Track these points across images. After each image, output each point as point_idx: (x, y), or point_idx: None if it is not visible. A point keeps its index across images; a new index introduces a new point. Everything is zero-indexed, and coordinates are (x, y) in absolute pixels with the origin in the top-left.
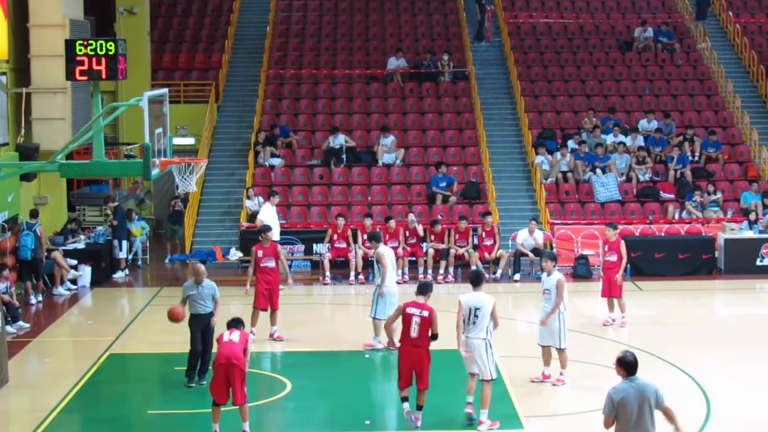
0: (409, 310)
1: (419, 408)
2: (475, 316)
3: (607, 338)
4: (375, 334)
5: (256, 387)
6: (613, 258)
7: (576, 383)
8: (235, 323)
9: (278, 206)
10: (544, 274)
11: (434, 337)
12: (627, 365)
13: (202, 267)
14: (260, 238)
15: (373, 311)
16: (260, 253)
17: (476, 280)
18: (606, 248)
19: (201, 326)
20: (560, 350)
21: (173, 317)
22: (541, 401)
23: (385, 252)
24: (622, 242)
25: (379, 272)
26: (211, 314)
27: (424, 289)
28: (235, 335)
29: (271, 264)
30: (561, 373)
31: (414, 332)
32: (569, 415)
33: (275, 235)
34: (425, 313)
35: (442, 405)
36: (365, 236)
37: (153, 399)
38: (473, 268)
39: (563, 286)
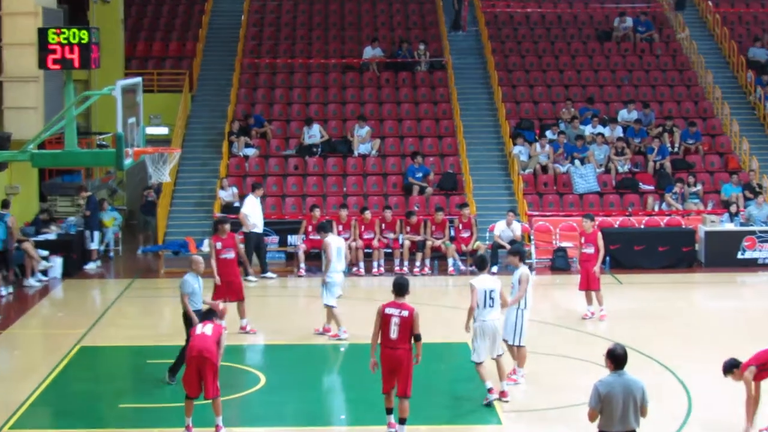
0: (387, 310)
1: (402, 422)
2: (491, 298)
3: (585, 332)
4: (338, 324)
5: (230, 381)
6: (591, 250)
7: (554, 378)
8: (208, 315)
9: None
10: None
11: (417, 338)
12: (616, 358)
13: (200, 258)
14: (217, 230)
15: (324, 298)
16: (218, 245)
17: (482, 264)
18: (583, 240)
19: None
20: (517, 347)
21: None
22: (519, 396)
23: (332, 242)
24: (599, 234)
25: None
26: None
27: (402, 290)
28: (208, 328)
29: (231, 255)
30: (514, 371)
31: (393, 333)
32: (548, 410)
33: (259, 228)
34: (405, 313)
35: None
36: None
37: (125, 393)
38: (479, 253)
39: (526, 281)
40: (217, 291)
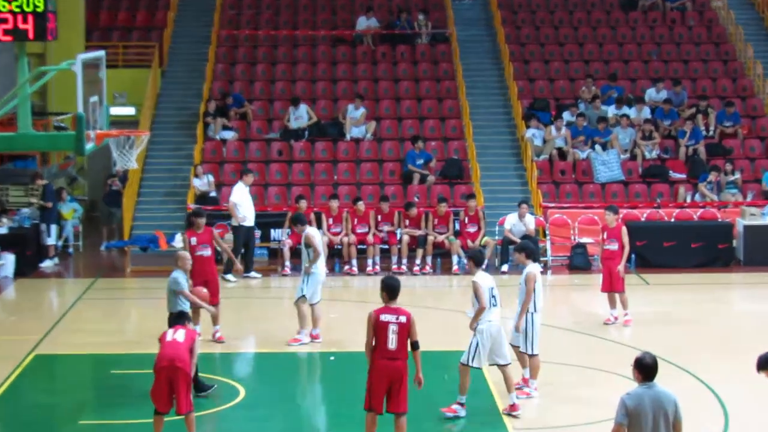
0: (383, 317)
1: None
2: (493, 296)
3: (607, 339)
4: (303, 325)
5: (204, 397)
6: (614, 247)
7: (572, 391)
8: (179, 319)
9: (231, 186)
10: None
11: (415, 345)
12: (645, 368)
13: (186, 253)
14: (191, 224)
15: (301, 291)
16: (193, 240)
17: (479, 259)
18: (605, 235)
19: None
20: (530, 356)
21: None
22: (532, 412)
23: (315, 233)
24: (624, 228)
25: (309, 256)
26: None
27: (395, 292)
28: (180, 334)
29: (207, 253)
30: (525, 381)
31: (392, 343)
32: (564, 427)
33: (250, 220)
34: (403, 319)
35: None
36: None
37: (85, 407)
38: (478, 248)
39: (533, 281)
40: (195, 279)
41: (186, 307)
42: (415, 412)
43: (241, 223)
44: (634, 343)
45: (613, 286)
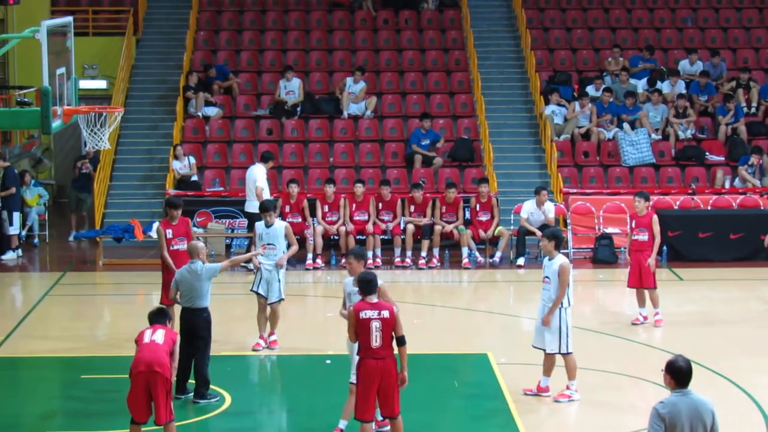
0: (363, 314)
1: None
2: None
3: (636, 341)
4: (273, 329)
5: (187, 401)
6: (644, 237)
7: (596, 397)
8: (158, 317)
9: (215, 169)
10: (546, 258)
11: (401, 341)
12: (678, 373)
13: (201, 243)
14: (166, 214)
15: (281, 293)
16: (169, 232)
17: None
18: (634, 225)
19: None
20: (564, 355)
21: None
22: (551, 420)
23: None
24: (655, 217)
25: (286, 248)
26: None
27: (370, 287)
28: (159, 335)
29: (184, 247)
30: (567, 387)
31: (376, 341)
32: None
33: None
34: (386, 314)
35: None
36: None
37: (53, 416)
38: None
39: (567, 273)
40: (165, 291)
41: (206, 301)
42: (425, 419)
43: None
44: (665, 345)
45: (642, 282)
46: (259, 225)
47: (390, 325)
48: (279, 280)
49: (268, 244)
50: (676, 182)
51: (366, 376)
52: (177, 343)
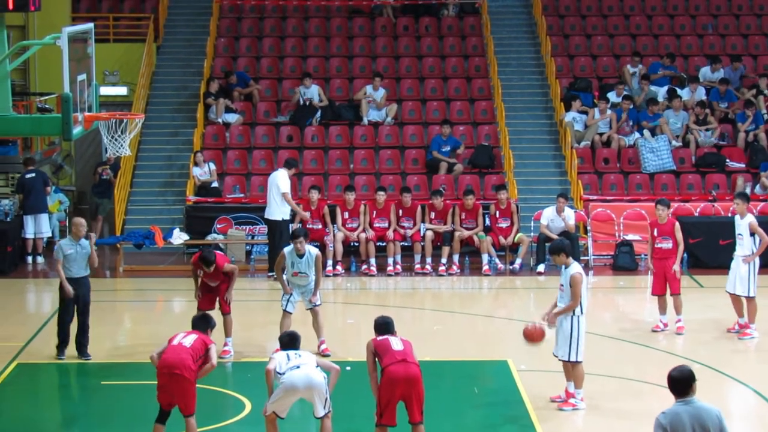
0: (380, 338)
1: None
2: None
3: (655, 347)
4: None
5: (207, 407)
6: (668, 245)
7: (613, 404)
8: (198, 323)
9: (236, 175)
10: (564, 266)
11: None
12: (672, 383)
13: (83, 220)
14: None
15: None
16: (204, 277)
17: (290, 343)
18: (656, 232)
19: (76, 293)
20: (573, 364)
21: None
22: (571, 427)
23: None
24: (677, 224)
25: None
26: (87, 278)
27: (390, 327)
28: (190, 339)
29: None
30: (572, 395)
31: (397, 345)
32: None
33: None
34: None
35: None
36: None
37: (73, 421)
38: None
39: (578, 284)
40: (201, 302)
41: (76, 272)
42: (445, 426)
43: (284, 217)
44: (685, 352)
45: (668, 289)
46: (289, 252)
47: (409, 343)
48: (314, 292)
49: (300, 273)
50: (696, 189)
51: (389, 381)
52: (212, 350)
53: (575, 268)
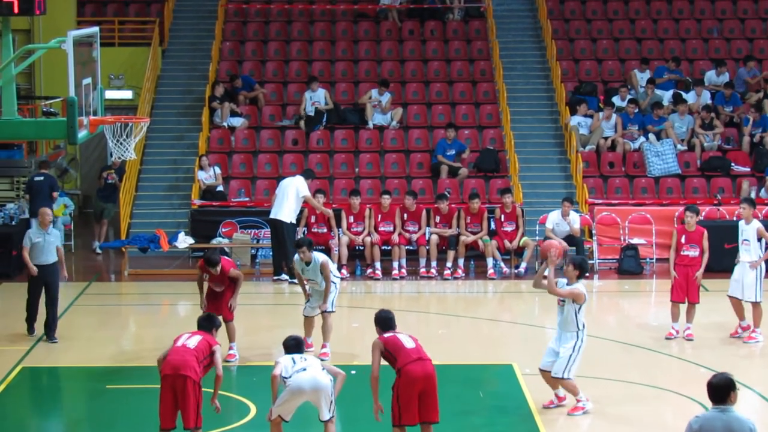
0: (387, 335)
1: None
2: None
3: (661, 352)
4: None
5: (212, 411)
6: (695, 253)
7: (618, 408)
8: (204, 323)
9: (241, 179)
10: (566, 281)
11: None
12: (709, 389)
13: (48, 209)
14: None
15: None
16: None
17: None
18: (684, 240)
19: (44, 279)
20: (562, 380)
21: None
22: (575, 430)
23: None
24: (705, 233)
25: (320, 284)
26: (56, 265)
27: (392, 323)
28: (194, 339)
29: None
30: (562, 398)
31: (409, 343)
32: None
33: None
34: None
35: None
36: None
37: (79, 426)
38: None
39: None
40: (206, 310)
41: (44, 259)
42: (450, 430)
43: (292, 220)
44: (689, 357)
45: (688, 296)
46: (298, 261)
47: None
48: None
49: (309, 280)
50: (701, 193)
51: (407, 380)
52: (216, 351)
53: (580, 287)
